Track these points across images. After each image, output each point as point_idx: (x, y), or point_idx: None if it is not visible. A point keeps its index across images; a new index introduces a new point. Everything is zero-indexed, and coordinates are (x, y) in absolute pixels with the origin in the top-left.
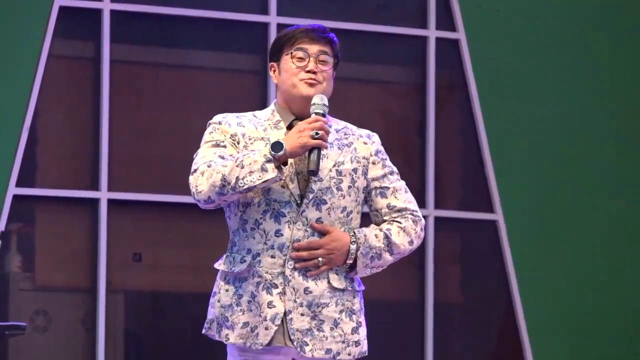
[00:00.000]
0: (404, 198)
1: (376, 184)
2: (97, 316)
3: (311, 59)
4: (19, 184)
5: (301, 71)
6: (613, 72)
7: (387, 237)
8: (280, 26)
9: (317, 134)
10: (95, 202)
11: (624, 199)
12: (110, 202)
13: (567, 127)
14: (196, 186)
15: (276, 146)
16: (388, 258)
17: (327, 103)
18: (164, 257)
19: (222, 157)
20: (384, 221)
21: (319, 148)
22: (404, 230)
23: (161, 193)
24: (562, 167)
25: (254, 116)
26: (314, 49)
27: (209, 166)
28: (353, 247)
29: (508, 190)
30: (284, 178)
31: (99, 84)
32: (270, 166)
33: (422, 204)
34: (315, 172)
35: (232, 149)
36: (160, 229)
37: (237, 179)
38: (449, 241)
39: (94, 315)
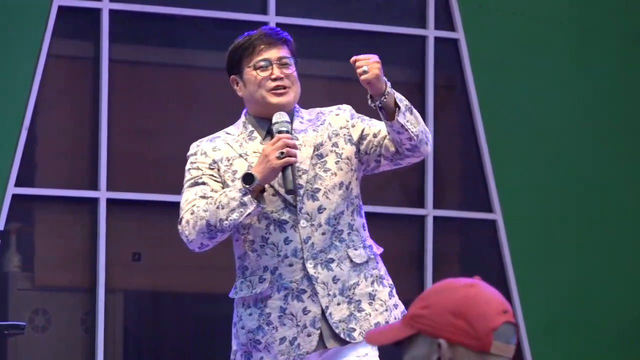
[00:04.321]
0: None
1: (364, 136)
2: (97, 316)
3: (274, 65)
4: (18, 183)
5: (267, 80)
6: (613, 72)
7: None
8: (279, 26)
9: (282, 153)
10: (94, 201)
11: (623, 198)
12: (110, 201)
13: (566, 126)
14: (186, 236)
15: (247, 178)
16: (418, 118)
17: (287, 119)
18: (164, 257)
19: (204, 197)
20: (386, 139)
21: (290, 165)
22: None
23: (160, 193)
24: (561, 167)
25: (227, 134)
26: (274, 55)
27: (192, 213)
28: (389, 87)
29: (507, 189)
30: (264, 206)
31: (98, 84)
32: (248, 199)
33: (421, 203)
34: (293, 191)
35: (213, 182)
36: (160, 229)
37: (221, 220)
38: (448, 241)
39: (93, 315)
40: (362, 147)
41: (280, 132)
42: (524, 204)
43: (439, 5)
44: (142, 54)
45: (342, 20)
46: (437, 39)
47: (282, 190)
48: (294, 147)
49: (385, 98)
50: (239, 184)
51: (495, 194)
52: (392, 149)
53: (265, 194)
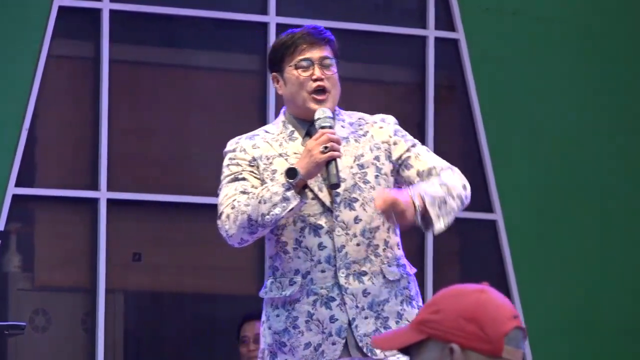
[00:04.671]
0: (429, 157)
1: (401, 160)
2: (97, 316)
3: (315, 65)
4: (18, 183)
5: (308, 80)
6: (613, 72)
7: (442, 183)
8: (279, 26)
9: (325, 148)
10: (94, 201)
11: (623, 199)
12: (110, 201)
13: (566, 127)
14: (226, 231)
15: (291, 172)
16: (452, 203)
17: (330, 114)
18: (164, 257)
19: (244, 192)
20: None
21: (334, 160)
22: (452, 173)
23: (161, 193)
24: (562, 167)
25: (266, 132)
26: (316, 54)
27: (232, 207)
28: (416, 199)
29: (507, 190)
30: (307, 201)
31: (99, 84)
32: (291, 194)
33: None
34: (337, 185)
35: (253, 179)
36: (160, 229)
37: (263, 215)
38: (448, 241)
39: (94, 315)
40: (402, 174)
41: (323, 127)
42: (524, 204)
43: (439, 5)
44: (142, 54)
45: (342, 20)
46: (437, 39)
47: (321, 194)
48: (338, 142)
49: (417, 218)
50: (281, 178)
51: (495, 194)
52: None
53: (300, 208)
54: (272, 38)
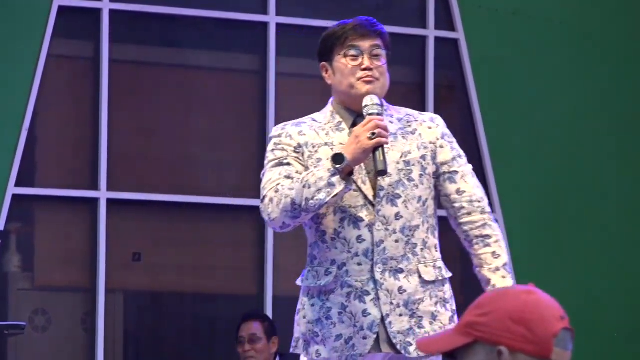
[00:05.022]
0: (473, 183)
1: (445, 168)
2: (97, 316)
3: (365, 55)
4: (18, 183)
5: (357, 69)
6: (612, 72)
7: (503, 266)
8: (279, 26)
9: (373, 134)
10: (94, 201)
11: (623, 198)
12: (110, 201)
13: (566, 126)
14: (268, 214)
15: (338, 158)
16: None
17: (378, 102)
18: (164, 257)
19: (288, 177)
20: (455, 209)
21: (381, 147)
22: (498, 242)
23: (160, 193)
24: (561, 167)
25: (314, 120)
26: (366, 44)
27: (276, 191)
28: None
29: (507, 189)
30: (352, 188)
31: (99, 84)
32: (337, 179)
33: None
34: (384, 172)
35: (297, 165)
36: (160, 229)
37: (307, 199)
38: (448, 241)
39: (94, 315)
40: (442, 184)
41: (371, 114)
42: (524, 204)
43: (439, 5)
44: (143, 54)
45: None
46: (437, 38)
47: (364, 187)
48: (385, 129)
49: None
50: (327, 163)
51: (495, 194)
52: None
53: (345, 194)
54: (272, 38)
